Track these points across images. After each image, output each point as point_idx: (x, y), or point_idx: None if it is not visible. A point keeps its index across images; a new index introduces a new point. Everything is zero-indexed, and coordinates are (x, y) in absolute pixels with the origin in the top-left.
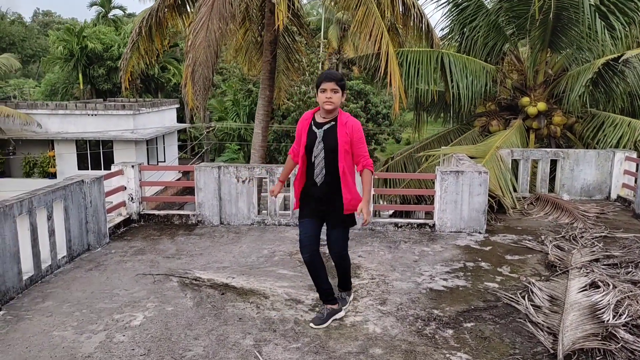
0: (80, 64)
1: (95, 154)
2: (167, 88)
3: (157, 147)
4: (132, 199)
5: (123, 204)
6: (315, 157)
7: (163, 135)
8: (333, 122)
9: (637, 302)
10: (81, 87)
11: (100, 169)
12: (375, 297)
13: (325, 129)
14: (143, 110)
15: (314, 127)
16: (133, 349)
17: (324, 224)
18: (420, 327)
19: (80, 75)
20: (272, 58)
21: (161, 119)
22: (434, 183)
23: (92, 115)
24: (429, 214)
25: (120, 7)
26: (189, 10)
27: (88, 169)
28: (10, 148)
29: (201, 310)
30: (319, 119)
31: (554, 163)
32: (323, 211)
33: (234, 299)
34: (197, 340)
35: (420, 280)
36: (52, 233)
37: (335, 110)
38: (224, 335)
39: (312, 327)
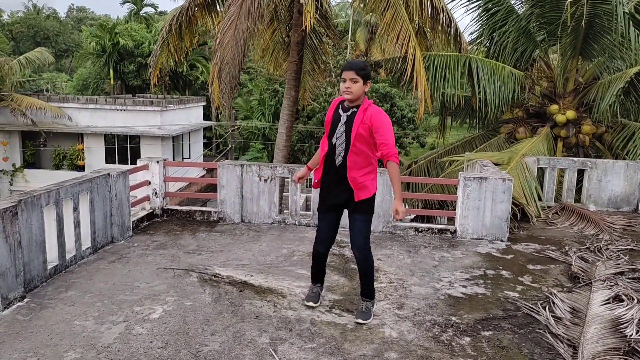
0: (112, 60)
1: (123, 148)
2: (195, 86)
3: (182, 144)
4: (156, 193)
5: (147, 198)
6: (336, 138)
7: (189, 132)
8: (355, 109)
9: None
10: (112, 82)
11: (127, 164)
12: (392, 301)
13: (349, 114)
14: (170, 107)
15: (340, 110)
16: (151, 342)
17: (340, 219)
18: (437, 333)
19: (111, 71)
20: (299, 59)
21: (188, 116)
22: (456, 189)
23: (121, 110)
24: (451, 220)
25: (152, 5)
26: (218, 9)
27: (115, 163)
28: (41, 140)
29: (219, 307)
30: (345, 104)
31: (581, 173)
32: (340, 199)
33: (252, 297)
34: (214, 336)
35: (439, 286)
36: (77, 224)
37: (358, 99)
38: (241, 332)
39: (359, 323)
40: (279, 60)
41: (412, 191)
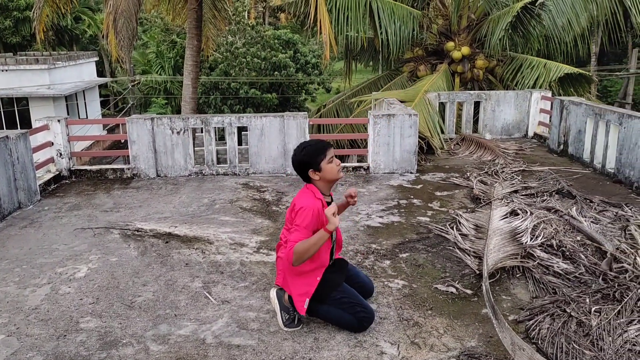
0: None
1: (9, 112)
2: (83, 40)
3: (77, 104)
4: (60, 154)
5: (51, 160)
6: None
7: (83, 91)
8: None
9: (551, 225)
10: None
11: (16, 129)
12: None
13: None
14: (59, 64)
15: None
16: (81, 299)
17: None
18: (360, 260)
19: None
20: (198, 5)
21: (79, 73)
22: (366, 128)
23: (2, 70)
24: (363, 157)
25: None
26: None
27: (3, 129)
28: None
29: (147, 259)
30: (326, 198)
31: (477, 105)
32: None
33: (179, 247)
34: (146, 287)
35: (358, 219)
36: None
37: None
38: (172, 280)
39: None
40: (177, 9)
41: (324, 132)
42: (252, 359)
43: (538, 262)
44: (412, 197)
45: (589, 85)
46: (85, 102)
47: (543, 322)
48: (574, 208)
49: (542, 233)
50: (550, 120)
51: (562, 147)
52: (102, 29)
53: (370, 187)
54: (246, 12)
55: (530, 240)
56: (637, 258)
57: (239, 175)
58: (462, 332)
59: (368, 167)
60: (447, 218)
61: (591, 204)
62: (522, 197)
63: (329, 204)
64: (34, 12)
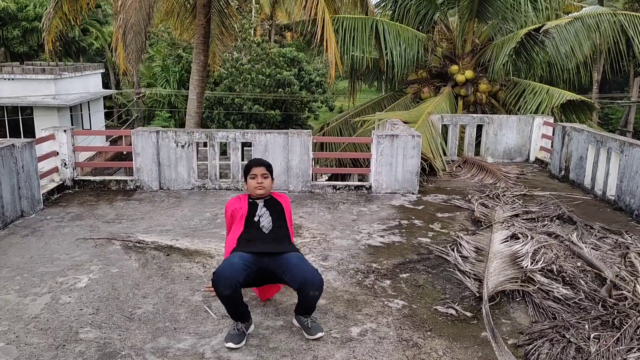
0: None
1: (14, 121)
2: (90, 52)
3: (82, 114)
4: (65, 164)
5: (56, 169)
6: (258, 215)
7: (88, 102)
8: (269, 196)
9: (552, 250)
10: None
11: (20, 138)
12: (317, 254)
13: (265, 200)
14: (65, 75)
15: (250, 200)
16: (81, 309)
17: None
18: (360, 279)
19: None
20: (206, 22)
21: (85, 84)
22: (369, 147)
23: (8, 79)
24: (364, 176)
25: None
26: None
27: (6, 137)
28: None
29: (147, 271)
30: (256, 198)
31: (479, 128)
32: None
33: (180, 260)
34: (146, 299)
35: (359, 237)
36: None
37: (267, 194)
38: (173, 293)
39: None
40: (184, 24)
41: (327, 150)
42: None
43: (538, 287)
44: (413, 217)
45: (590, 112)
46: (89, 113)
47: (542, 347)
48: (575, 234)
49: (543, 258)
50: (552, 146)
51: (563, 172)
52: (112, 42)
53: (372, 207)
54: (252, 29)
55: (531, 265)
56: (637, 285)
57: (241, 190)
58: (462, 354)
59: (370, 187)
60: (448, 240)
61: (591, 231)
62: (523, 221)
63: (254, 202)
64: (43, 23)
